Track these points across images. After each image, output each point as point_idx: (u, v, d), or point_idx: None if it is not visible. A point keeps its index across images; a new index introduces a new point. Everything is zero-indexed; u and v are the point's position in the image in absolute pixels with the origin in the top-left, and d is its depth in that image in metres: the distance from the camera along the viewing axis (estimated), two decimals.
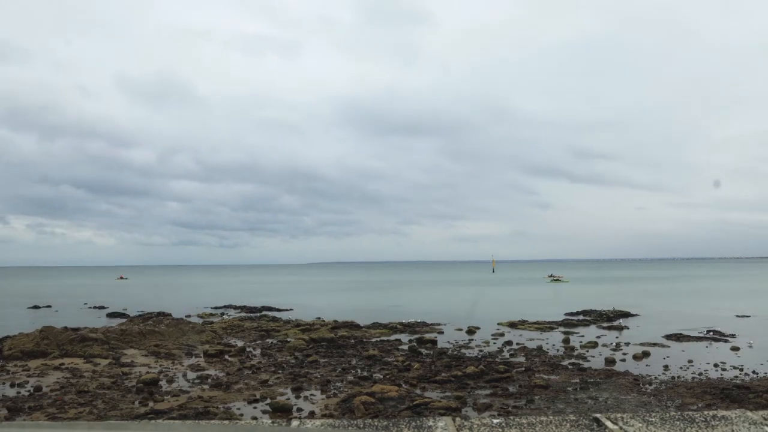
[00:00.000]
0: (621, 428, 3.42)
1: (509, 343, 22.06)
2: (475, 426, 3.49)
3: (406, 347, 21.09)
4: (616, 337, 23.85)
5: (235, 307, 42.18)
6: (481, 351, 20.23)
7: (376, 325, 27.97)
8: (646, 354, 19.19)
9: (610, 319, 30.94)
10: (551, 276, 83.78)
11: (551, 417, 3.70)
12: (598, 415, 3.68)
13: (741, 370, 16.48)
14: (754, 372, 16.13)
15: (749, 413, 3.71)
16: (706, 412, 3.75)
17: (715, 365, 17.11)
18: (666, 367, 16.81)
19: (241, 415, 11.93)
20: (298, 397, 13.37)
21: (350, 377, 15.58)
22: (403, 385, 14.20)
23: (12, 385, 14.71)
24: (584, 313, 33.72)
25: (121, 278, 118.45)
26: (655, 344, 21.49)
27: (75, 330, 21.86)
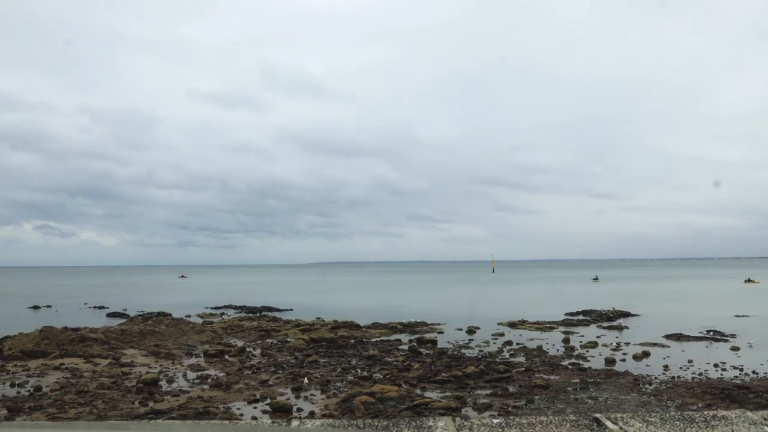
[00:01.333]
0: (621, 428, 3.42)
1: (509, 343, 22.06)
2: (475, 426, 3.49)
3: (406, 347, 21.09)
4: (616, 337, 23.86)
5: (235, 307, 42.17)
6: (481, 351, 20.24)
7: (376, 325, 27.97)
8: (646, 354, 19.19)
9: (610, 319, 30.94)
10: (748, 281, 71.62)
11: (551, 417, 3.70)
12: (598, 415, 3.68)
13: (741, 370, 16.48)
14: (754, 372, 16.13)
15: (749, 413, 3.71)
16: (706, 412, 3.75)
17: (715, 365, 17.11)
18: (666, 367, 16.81)
19: (241, 415, 11.94)
20: (298, 397, 13.37)
21: (350, 377, 15.58)
22: (403, 385, 14.20)
23: (12, 385, 14.71)
24: (584, 313, 33.71)
25: (182, 277, 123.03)
26: (655, 344, 21.50)
27: (75, 330, 21.86)
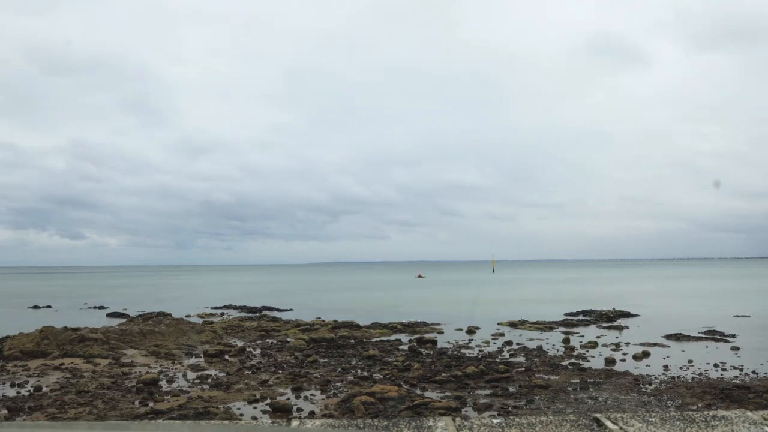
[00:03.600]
0: (621, 428, 3.42)
1: (509, 343, 22.06)
2: (475, 426, 3.50)
3: (406, 347, 21.09)
4: (616, 337, 23.85)
5: (235, 307, 42.18)
6: (481, 351, 20.23)
7: (376, 325, 27.97)
8: (646, 354, 19.19)
9: (610, 319, 30.93)
10: None
11: (551, 417, 3.71)
12: (598, 415, 3.68)
13: (741, 370, 16.48)
14: (754, 372, 16.13)
15: (749, 413, 3.72)
16: (706, 412, 3.75)
17: (715, 365, 17.11)
18: (666, 367, 16.81)
19: (241, 415, 11.94)
20: (298, 397, 13.37)
21: (350, 377, 15.58)
22: (403, 385, 14.20)
23: (12, 385, 14.71)
24: (584, 313, 33.71)
25: (420, 276, 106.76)
26: (655, 344, 21.50)
27: (75, 330, 21.85)
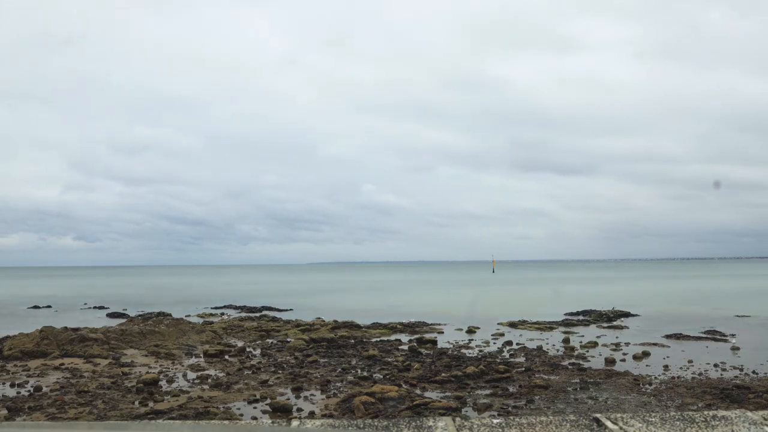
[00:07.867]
0: (621, 428, 3.42)
1: (509, 343, 22.06)
2: (475, 426, 3.50)
3: (406, 347, 21.09)
4: (616, 337, 23.85)
5: (235, 307, 42.17)
6: (481, 351, 20.24)
7: (376, 325, 27.97)
8: (646, 354, 19.20)
9: (610, 319, 30.93)
10: None
11: (551, 417, 3.71)
12: (598, 415, 3.68)
13: (741, 370, 16.48)
14: (754, 372, 16.13)
15: (749, 413, 3.72)
16: (706, 412, 3.75)
17: (715, 365, 17.11)
18: (666, 367, 16.81)
19: (241, 415, 11.94)
20: (298, 397, 13.37)
21: (350, 377, 15.58)
22: (403, 385, 14.20)
23: (12, 385, 14.72)
24: (584, 313, 33.71)
25: None
26: (655, 344, 21.50)
27: (75, 330, 21.86)
